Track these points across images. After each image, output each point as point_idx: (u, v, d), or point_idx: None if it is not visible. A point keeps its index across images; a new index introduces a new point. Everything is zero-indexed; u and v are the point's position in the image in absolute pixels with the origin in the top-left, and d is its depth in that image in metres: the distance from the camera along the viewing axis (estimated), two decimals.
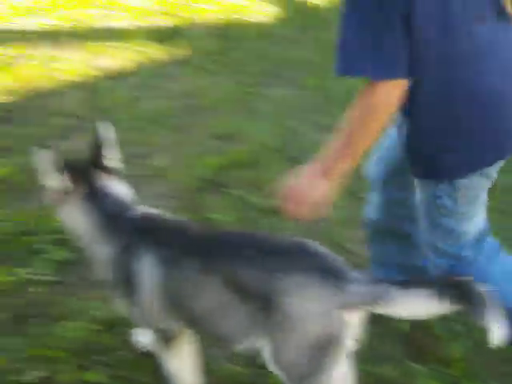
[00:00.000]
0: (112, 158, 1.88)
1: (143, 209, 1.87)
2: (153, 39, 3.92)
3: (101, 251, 1.82)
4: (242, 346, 1.71)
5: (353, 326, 1.62)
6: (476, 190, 1.82)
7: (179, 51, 3.90)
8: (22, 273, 2.23)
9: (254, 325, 1.65)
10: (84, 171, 1.86)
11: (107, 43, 3.88)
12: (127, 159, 2.90)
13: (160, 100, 3.47)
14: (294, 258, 1.65)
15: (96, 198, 1.85)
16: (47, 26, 4.01)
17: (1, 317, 2.09)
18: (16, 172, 2.69)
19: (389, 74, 1.57)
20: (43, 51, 3.78)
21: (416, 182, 1.85)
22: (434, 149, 1.75)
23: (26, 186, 2.56)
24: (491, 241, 1.93)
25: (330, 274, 1.60)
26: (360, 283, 1.59)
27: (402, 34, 1.54)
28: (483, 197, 1.85)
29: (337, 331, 1.60)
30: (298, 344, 1.62)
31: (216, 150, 3.06)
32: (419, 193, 1.86)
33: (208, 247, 1.72)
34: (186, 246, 1.74)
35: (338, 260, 1.64)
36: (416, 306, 1.59)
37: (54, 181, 1.80)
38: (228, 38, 4.10)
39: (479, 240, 1.91)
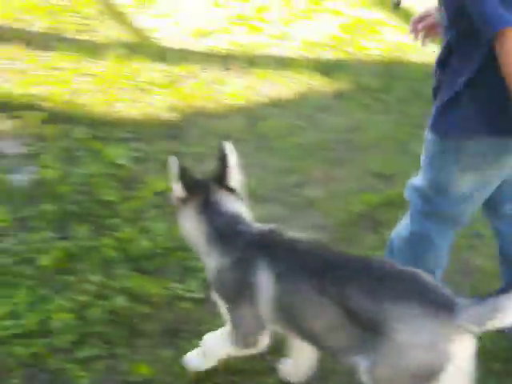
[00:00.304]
0: (234, 177, 2.05)
1: (259, 225, 2.00)
2: (318, 71, 3.97)
3: (209, 260, 2.00)
4: (348, 360, 1.79)
5: (460, 358, 1.66)
6: None
7: (342, 85, 3.92)
8: (176, 288, 2.29)
9: (361, 345, 1.74)
10: (203, 184, 2.05)
11: (273, 71, 3.96)
12: (282, 187, 2.97)
13: (319, 132, 3.50)
14: (407, 286, 1.73)
15: (209, 211, 2.01)
16: (216, 49, 4.15)
17: (152, 328, 2.17)
18: None
19: None
20: (210, 73, 3.91)
21: None
22: None
23: None
24: None
25: (440, 306, 1.66)
26: (471, 308, 1.65)
27: None
28: None
29: (440, 364, 1.66)
30: (399, 371, 1.70)
31: (372, 188, 3.05)
32: None
33: (324, 268, 1.83)
34: (303, 265, 1.86)
35: (447, 290, 1.71)
36: None
37: (175, 187, 2.02)
38: (391, 76, 4.08)
39: None
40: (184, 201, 2.05)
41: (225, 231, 1.99)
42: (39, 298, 2.44)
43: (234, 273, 1.94)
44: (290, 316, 1.89)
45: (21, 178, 3.13)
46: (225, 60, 4.03)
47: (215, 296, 1.99)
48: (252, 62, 4.02)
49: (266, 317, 1.91)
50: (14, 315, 2.38)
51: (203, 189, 2.04)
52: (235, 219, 2.01)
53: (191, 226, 2.05)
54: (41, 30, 4.20)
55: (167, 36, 4.24)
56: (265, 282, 1.87)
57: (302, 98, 3.79)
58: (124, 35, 4.22)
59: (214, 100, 3.68)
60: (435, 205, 2.13)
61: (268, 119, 3.61)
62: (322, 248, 1.97)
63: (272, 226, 2.01)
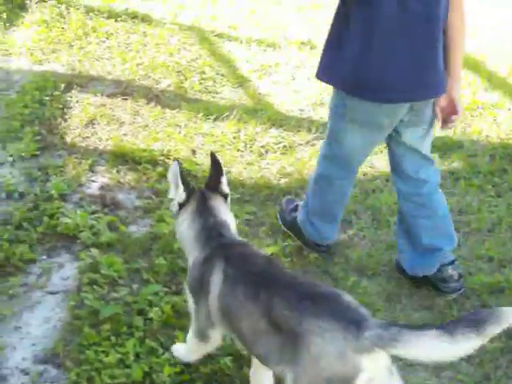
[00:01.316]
0: (226, 187, 2.43)
1: (234, 235, 2.37)
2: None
3: (189, 258, 2.37)
4: (276, 368, 2.06)
5: (371, 369, 1.89)
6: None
7: (455, 164, 3.98)
8: None
9: (282, 354, 2.00)
10: (198, 191, 2.42)
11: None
12: (391, 263, 3.02)
13: None
14: (326, 304, 1.98)
15: (201, 216, 2.37)
16: None
17: None
18: None
19: None
20: None
21: None
22: None
23: None
24: None
25: (351, 323, 1.90)
26: (376, 328, 1.87)
27: None
28: None
29: (351, 373, 1.89)
30: (315, 379, 1.94)
31: (482, 271, 3.08)
32: None
33: (262, 279, 2.12)
34: (247, 273, 2.17)
35: (363, 310, 1.97)
36: (428, 345, 1.80)
37: (174, 191, 2.41)
38: (506, 159, 4.06)
39: None
40: (181, 205, 2.41)
41: (207, 234, 2.34)
42: (147, 350, 2.60)
43: (199, 269, 2.30)
44: (228, 317, 2.18)
45: (137, 229, 3.33)
46: None
47: (186, 291, 2.37)
48: None
49: (214, 314, 2.22)
50: (122, 364, 2.53)
51: (198, 195, 2.41)
52: (219, 225, 2.36)
53: (184, 228, 2.41)
54: (167, 88, 4.44)
55: (286, 103, 4.39)
56: (216, 281, 2.20)
57: None
58: (244, 99, 4.41)
59: None
60: (333, 150, 2.86)
61: (379, 192, 3.68)
62: (272, 264, 2.25)
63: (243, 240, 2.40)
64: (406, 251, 3.07)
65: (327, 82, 2.79)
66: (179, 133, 4.02)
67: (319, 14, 5.38)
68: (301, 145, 4.04)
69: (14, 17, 5.27)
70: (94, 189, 3.62)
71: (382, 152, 3.95)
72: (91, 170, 3.75)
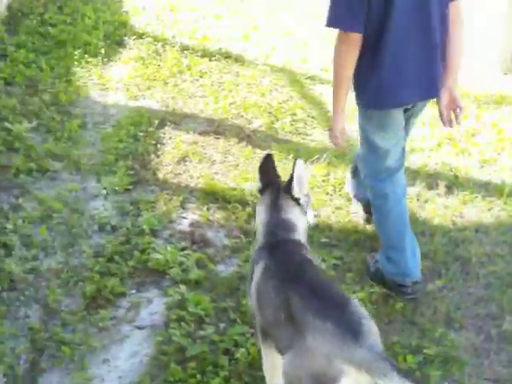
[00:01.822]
0: (298, 191, 2.67)
1: (293, 236, 2.61)
2: None
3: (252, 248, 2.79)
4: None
5: (353, 379, 2.09)
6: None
7: None
8: None
9: (290, 342, 2.24)
10: (275, 186, 2.72)
11: (477, 194, 4.05)
12: (478, 316, 3.00)
13: None
14: (333, 309, 2.20)
15: (269, 209, 2.68)
16: (423, 166, 4.27)
17: None
18: None
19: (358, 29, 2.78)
20: (414, 189, 4.03)
21: None
22: None
23: None
24: None
25: (350, 333, 2.09)
26: (369, 351, 2.06)
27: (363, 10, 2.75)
28: None
29: (332, 377, 2.10)
30: (302, 370, 2.16)
31: None
32: None
33: (290, 277, 2.39)
34: (281, 270, 2.45)
35: (367, 325, 2.14)
36: None
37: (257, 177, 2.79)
38: None
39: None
40: (260, 192, 2.77)
41: (269, 229, 2.64)
42: None
43: (253, 257, 2.62)
44: (259, 303, 2.46)
45: (225, 268, 3.42)
46: (430, 178, 4.13)
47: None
48: (457, 183, 4.10)
49: (253, 302, 2.52)
50: None
51: (273, 191, 2.70)
52: (282, 223, 2.64)
53: (257, 217, 2.74)
54: (258, 128, 4.54)
55: None
56: (258, 270, 2.50)
57: (505, 225, 3.80)
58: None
59: (413, 215, 3.79)
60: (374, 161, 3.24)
61: (469, 243, 3.66)
62: (305, 264, 2.49)
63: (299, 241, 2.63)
64: None
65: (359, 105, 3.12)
66: None
67: None
68: None
69: (112, 52, 5.50)
70: (184, 225, 3.73)
71: (472, 202, 3.94)
72: (182, 206, 3.87)
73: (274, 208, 2.67)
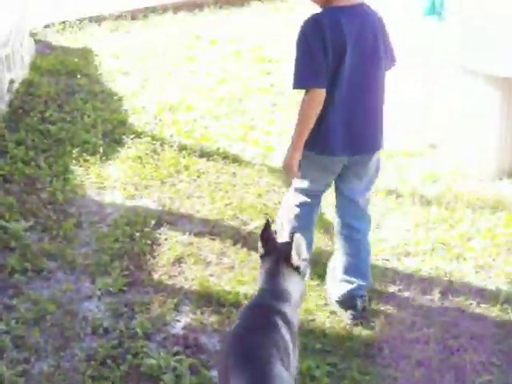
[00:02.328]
0: (297, 260, 2.96)
1: (282, 307, 2.88)
2: None
3: None
4: None
5: None
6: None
7: None
8: None
9: None
10: (275, 253, 3.00)
11: (472, 301, 4.09)
12: None
13: None
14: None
15: (265, 274, 2.99)
16: (418, 271, 4.36)
17: None
18: None
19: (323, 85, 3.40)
20: (409, 294, 4.10)
21: None
22: None
23: None
24: None
25: None
26: None
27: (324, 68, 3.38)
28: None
29: None
30: None
31: None
32: None
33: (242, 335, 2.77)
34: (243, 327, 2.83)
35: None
36: None
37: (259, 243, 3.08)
38: None
39: None
40: (261, 257, 3.05)
41: (260, 293, 2.99)
42: None
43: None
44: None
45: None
46: (424, 283, 4.21)
47: None
48: (451, 289, 4.18)
49: None
50: None
51: (273, 258, 2.99)
52: (272, 290, 2.94)
53: (258, 279, 3.07)
54: (254, 230, 4.65)
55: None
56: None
57: (500, 333, 3.86)
58: (327, 245, 4.56)
59: (407, 321, 3.86)
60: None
61: (463, 351, 3.72)
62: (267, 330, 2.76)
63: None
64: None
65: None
66: None
67: (411, 162, 5.57)
68: (386, 296, 4.12)
69: (110, 151, 5.67)
70: (177, 329, 3.79)
71: (467, 308, 4.01)
72: (176, 309, 3.94)
73: (272, 276, 2.97)
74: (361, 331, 3.83)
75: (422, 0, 6.29)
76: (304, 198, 3.90)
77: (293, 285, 2.98)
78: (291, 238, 2.96)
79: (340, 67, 3.40)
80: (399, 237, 4.63)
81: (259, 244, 3.07)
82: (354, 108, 3.53)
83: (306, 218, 3.95)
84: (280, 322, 2.82)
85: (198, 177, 5.34)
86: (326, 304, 4.02)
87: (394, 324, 3.91)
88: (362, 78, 3.50)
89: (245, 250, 4.47)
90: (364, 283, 3.93)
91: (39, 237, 4.58)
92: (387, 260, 4.45)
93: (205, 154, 5.65)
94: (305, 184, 3.84)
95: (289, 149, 3.63)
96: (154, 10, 9.16)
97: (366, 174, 3.80)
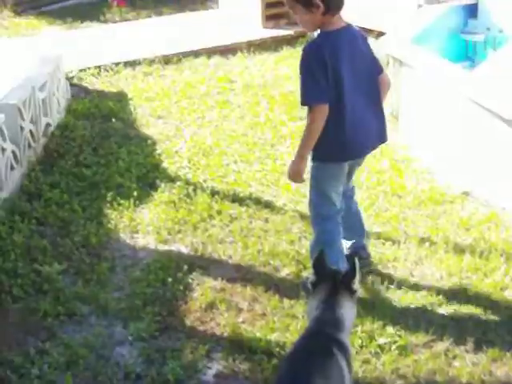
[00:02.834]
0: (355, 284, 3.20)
1: (339, 335, 3.06)
2: None
3: None
4: None
5: None
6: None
7: None
8: None
9: None
10: (330, 280, 3.19)
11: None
12: None
13: None
14: None
15: (321, 304, 3.16)
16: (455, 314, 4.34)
17: None
18: None
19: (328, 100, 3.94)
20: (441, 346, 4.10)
21: None
22: None
23: None
24: None
25: None
26: None
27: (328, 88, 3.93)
28: None
29: None
30: None
31: None
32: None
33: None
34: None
35: None
36: None
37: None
38: None
39: None
40: (313, 284, 3.24)
41: (316, 324, 3.13)
42: None
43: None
44: None
45: None
46: (458, 333, 4.20)
47: None
48: (486, 339, 4.16)
49: None
50: None
51: (327, 286, 3.17)
52: (330, 320, 3.08)
53: (309, 310, 3.28)
54: (286, 277, 4.68)
55: (404, 299, 4.51)
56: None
57: None
58: (360, 293, 4.57)
59: (440, 373, 3.86)
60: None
61: None
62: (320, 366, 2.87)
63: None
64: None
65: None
66: (296, 324, 4.20)
67: (443, 209, 5.59)
68: (418, 345, 4.12)
69: (143, 195, 5.76)
70: (209, 376, 3.82)
71: (501, 359, 3.99)
72: (208, 355, 3.97)
73: (328, 304, 3.14)
74: (394, 381, 3.83)
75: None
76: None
77: (348, 312, 3.17)
78: (353, 262, 3.20)
79: (340, 84, 3.95)
80: (432, 286, 4.63)
81: (311, 271, 3.27)
82: (358, 116, 4.08)
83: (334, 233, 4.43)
84: (338, 353, 2.95)
85: (231, 222, 5.40)
86: (357, 353, 4.03)
87: (427, 374, 3.90)
88: (360, 89, 4.07)
89: (277, 296, 4.49)
90: (360, 238, 4.78)
91: (72, 280, 4.67)
92: (420, 309, 4.44)
93: (237, 199, 5.72)
94: (325, 200, 4.35)
95: (294, 160, 4.12)
96: (187, 54, 9.31)
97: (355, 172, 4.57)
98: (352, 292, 3.21)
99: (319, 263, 3.29)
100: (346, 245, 4.68)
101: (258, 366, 3.88)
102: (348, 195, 4.58)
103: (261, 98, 7.91)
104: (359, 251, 4.66)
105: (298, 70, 4.00)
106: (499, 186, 5.55)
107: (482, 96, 5.62)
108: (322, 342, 3.01)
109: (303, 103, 4.02)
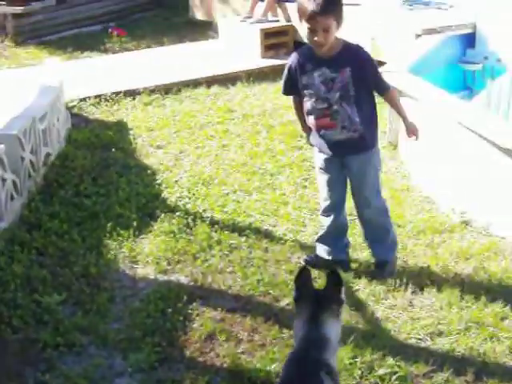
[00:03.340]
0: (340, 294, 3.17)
1: (323, 355, 3.02)
2: None
3: None
4: None
5: None
6: None
7: None
8: None
9: None
10: (313, 297, 3.15)
11: None
12: None
13: None
14: None
15: (303, 324, 3.14)
16: (451, 350, 4.35)
17: None
18: None
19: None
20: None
21: None
22: None
23: None
24: None
25: None
26: None
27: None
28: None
29: None
30: None
31: None
32: None
33: None
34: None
35: None
36: None
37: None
38: None
39: None
40: (296, 301, 3.20)
41: (299, 345, 3.13)
42: None
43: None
44: None
45: None
46: (458, 364, 4.22)
47: None
48: (486, 370, 4.18)
49: None
50: None
51: (309, 302, 3.12)
52: (314, 342, 3.03)
53: (294, 328, 3.25)
54: (286, 307, 4.71)
55: (402, 330, 4.52)
56: None
57: None
58: (361, 322, 4.59)
59: None
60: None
61: None
62: None
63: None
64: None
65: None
66: None
67: (442, 238, 5.62)
68: (418, 376, 4.13)
69: (143, 225, 5.80)
70: None
71: None
72: None
73: (312, 323, 3.09)
74: None
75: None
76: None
77: (333, 329, 3.12)
78: (335, 274, 3.19)
79: None
80: (432, 316, 4.65)
81: (294, 287, 3.23)
82: None
83: None
84: (326, 377, 2.94)
85: (230, 252, 5.43)
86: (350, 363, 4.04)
87: None
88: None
89: (276, 327, 4.51)
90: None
91: (72, 311, 4.69)
92: (420, 339, 4.46)
93: (237, 229, 5.75)
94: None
95: (407, 119, 4.82)
96: (187, 84, 9.40)
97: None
98: (340, 303, 3.20)
99: (301, 279, 3.23)
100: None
101: None
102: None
103: (260, 127, 7.98)
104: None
105: (371, 64, 4.58)
106: (498, 215, 5.58)
107: (478, 124, 5.68)
108: (310, 369, 2.96)
109: (388, 87, 4.71)
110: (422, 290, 4.94)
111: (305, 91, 4.69)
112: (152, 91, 9.14)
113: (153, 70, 9.95)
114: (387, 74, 7.04)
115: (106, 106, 8.80)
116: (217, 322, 4.56)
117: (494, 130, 5.56)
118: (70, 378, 4.02)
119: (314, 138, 4.84)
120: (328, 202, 5.01)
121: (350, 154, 4.78)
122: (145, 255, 5.39)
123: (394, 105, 4.87)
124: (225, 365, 4.18)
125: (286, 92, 4.89)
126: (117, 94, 9.03)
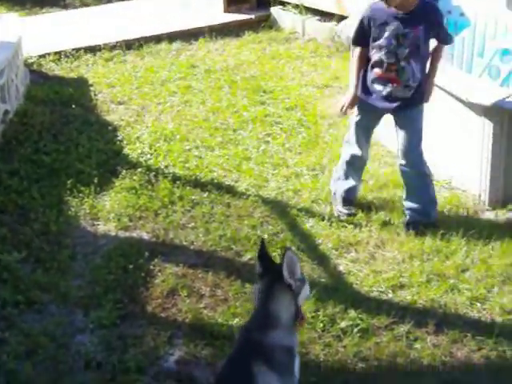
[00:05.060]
0: (289, 277, 3.03)
1: (265, 334, 2.99)
2: None
3: None
4: None
5: None
6: None
7: None
8: None
9: None
10: (270, 271, 3.10)
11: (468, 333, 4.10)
12: None
13: None
14: None
15: (259, 296, 3.08)
16: (413, 303, 4.37)
17: None
18: None
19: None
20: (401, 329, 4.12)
21: None
22: None
23: None
24: None
25: None
26: None
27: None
28: None
29: None
30: None
31: None
32: None
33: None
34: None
35: None
36: None
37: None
38: None
39: None
40: (259, 276, 3.13)
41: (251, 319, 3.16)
42: None
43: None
44: None
45: None
46: (419, 315, 4.23)
47: None
48: (446, 321, 4.21)
49: None
50: None
51: (266, 279, 3.08)
52: (262, 315, 3.04)
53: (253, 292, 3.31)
54: (248, 262, 4.67)
55: (365, 283, 4.53)
56: None
57: (495, 367, 3.87)
58: (323, 276, 4.58)
59: (401, 355, 3.89)
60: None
61: None
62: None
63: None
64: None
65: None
66: None
67: (400, 192, 5.60)
68: (379, 328, 4.15)
69: (104, 182, 5.69)
70: (170, 362, 3.80)
71: (461, 341, 4.02)
72: (169, 342, 3.95)
73: (262, 297, 3.06)
74: (356, 364, 3.84)
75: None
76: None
77: (284, 306, 3.04)
78: (283, 255, 3.04)
79: None
80: (394, 268, 4.65)
81: (256, 263, 3.16)
82: None
83: None
84: (261, 369, 2.92)
85: (192, 208, 5.37)
86: (320, 337, 4.04)
87: (389, 356, 3.92)
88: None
89: (238, 282, 4.48)
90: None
91: (32, 268, 4.61)
92: (382, 292, 4.46)
93: (199, 185, 5.68)
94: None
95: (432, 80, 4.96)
96: (149, 39, 9.20)
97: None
98: (287, 285, 3.05)
99: (262, 254, 3.17)
100: None
101: (219, 351, 3.87)
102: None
103: (223, 82, 7.85)
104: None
105: (443, 22, 4.85)
106: (457, 170, 5.58)
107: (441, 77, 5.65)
108: (242, 366, 2.95)
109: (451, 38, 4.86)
110: (383, 243, 4.94)
111: (374, 43, 4.72)
112: (113, 47, 8.91)
113: (114, 26, 9.72)
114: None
115: (66, 62, 8.57)
116: (179, 278, 4.52)
117: (458, 85, 5.53)
118: (31, 336, 3.96)
119: (369, 89, 4.89)
120: (359, 145, 5.20)
121: (402, 109, 4.86)
122: (106, 212, 5.31)
123: (438, 58, 4.85)
124: (187, 320, 4.15)
125: (356, 42, 4.92)
126: (77, 50, 8.78)
